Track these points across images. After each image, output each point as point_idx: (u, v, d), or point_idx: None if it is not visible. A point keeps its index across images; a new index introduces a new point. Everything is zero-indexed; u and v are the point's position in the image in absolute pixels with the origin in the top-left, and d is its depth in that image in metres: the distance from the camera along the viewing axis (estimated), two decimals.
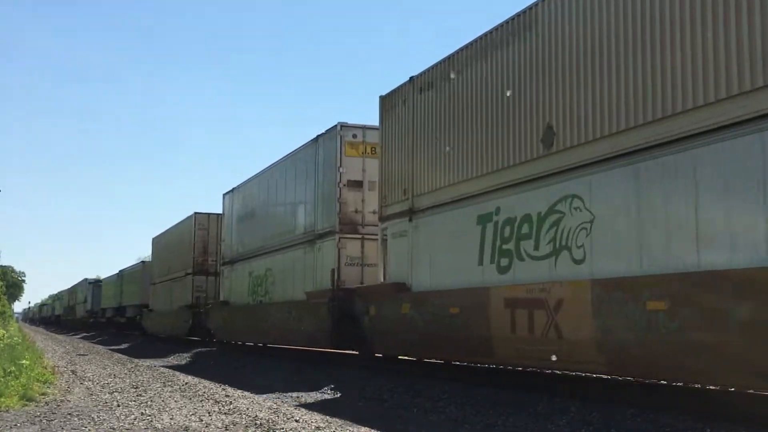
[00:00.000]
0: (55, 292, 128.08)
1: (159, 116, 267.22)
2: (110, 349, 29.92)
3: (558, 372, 10.50)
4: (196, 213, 29.67)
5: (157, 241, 39.61)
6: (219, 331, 25.65)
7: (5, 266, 77.68)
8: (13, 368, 11.67)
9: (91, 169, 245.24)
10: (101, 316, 59.86)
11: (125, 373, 15.90)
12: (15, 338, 21.53)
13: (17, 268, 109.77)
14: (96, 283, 66.37)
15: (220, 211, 31.38)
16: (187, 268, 30.16)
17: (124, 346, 34.02)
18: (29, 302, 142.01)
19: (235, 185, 26.70)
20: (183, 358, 23.43)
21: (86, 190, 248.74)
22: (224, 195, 26.11)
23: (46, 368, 14.73)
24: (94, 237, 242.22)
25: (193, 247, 30.12)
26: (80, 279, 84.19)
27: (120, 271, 52.92)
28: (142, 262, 43.06)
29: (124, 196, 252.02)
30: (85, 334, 57.83)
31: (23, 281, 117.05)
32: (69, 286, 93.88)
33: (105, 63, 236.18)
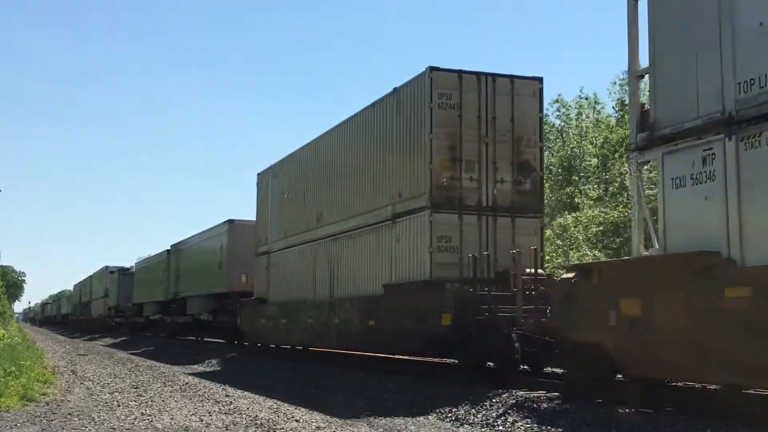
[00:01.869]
0: (56, 291, 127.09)
1: (160, 115, 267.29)
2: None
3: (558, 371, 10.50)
4: (432, 68, 15.00)
5: (279, 172, 24.32)
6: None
7: (5, 266, 78.52)
8: (13, 368, 11.83)
9: (92, 168, 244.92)
10: (135, 314, 47.98)
11: (125, 373, 16.22)
12: (15, 338, 21.44)
13: (17, 268, 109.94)
14: (123, 272, 53.80)
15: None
16: (411, 201, 15.40)
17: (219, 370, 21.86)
18: (29, 302, 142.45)
19: None
20: None
21: (87, 190, 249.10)
22: None
23: (46, 368, 14.82)
24: (94, 238, 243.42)
25: (428, 150, 14.87)
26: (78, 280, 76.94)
27: (173, 246, 39.19)
28: (229, 221, 29.47)
29: (124, 197, 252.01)
30: (111, 340, 45.83)
31: (23, 281, 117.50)
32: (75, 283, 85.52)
33: (105, 62, 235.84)
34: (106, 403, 11.90)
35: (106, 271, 56.59)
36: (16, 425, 9.47)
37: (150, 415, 10.40)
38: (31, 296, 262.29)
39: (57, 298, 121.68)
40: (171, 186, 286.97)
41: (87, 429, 9.29)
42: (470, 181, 14.85)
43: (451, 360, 15.40)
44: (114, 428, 9.33)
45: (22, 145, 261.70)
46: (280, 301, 22.48)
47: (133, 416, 10.35)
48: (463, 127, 14.90)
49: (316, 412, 10.96)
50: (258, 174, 26.03)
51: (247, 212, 34.18)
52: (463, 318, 13.16)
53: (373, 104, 17.47)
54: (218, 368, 21.14)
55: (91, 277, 66.96)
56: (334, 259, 18.84)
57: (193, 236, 35.46)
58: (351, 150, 18.64)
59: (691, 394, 9.84)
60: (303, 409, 11.26)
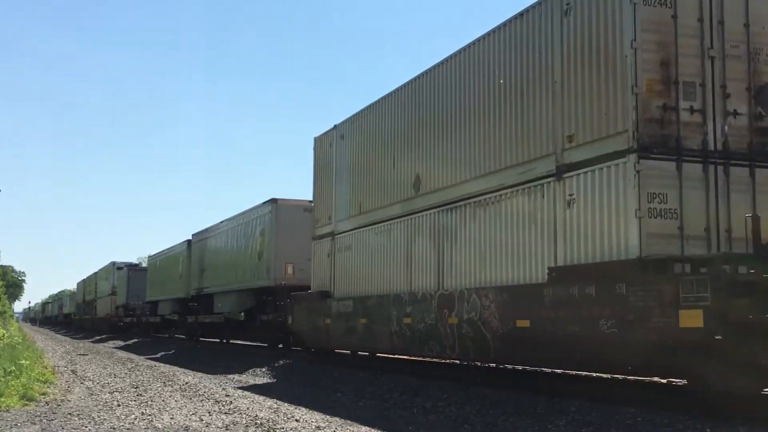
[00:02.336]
0: (56, 291, 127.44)
1: (159, 116, 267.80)
2: None
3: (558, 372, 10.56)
4: None
5: (346, 131, 19.74)
6: None
7: (5, 266, 78.31)
8: (13, 368, 11.87)
9: (92, 169, 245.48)
10: (148, 313, 44.74)
11: (125, 373, 16.29)
12: (15, 338, 21.55)
13: (17, 268, 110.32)
14: (133, 267, 51.67)
15: None
16: (597, 145, 10.75)
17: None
18: (29, 302, 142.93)
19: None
20: None
21: (87, 190, 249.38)
22: None
23: (46, 368, 14.90)
24: (94, 238, 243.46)
25: (633, 66, 10.09)
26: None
27: (194, 235, 35.54)
28: (272, 200, 25.15)
29: (124, 197, 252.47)
30: (121, 342, 41.85)
31: (23, 281, 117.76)
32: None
33: (105, 62, 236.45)
34: (106, 402, 12.19)
35: (113, 267, 52.46)
36: (16, 425, 9.66)
37: (150, 415, 10.66)
38: (31, 296, 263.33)
39: (58, 297, 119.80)
40: (171, 186, 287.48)
41: (87, 429, 9.49)
42: (690, 113, 10.27)
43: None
44: (114, 428, 9.53)
45: (22, 144, 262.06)
46: (352, 295, 17.85)
47: (133, 416, 10.59)
48: (678, 34, 10.38)
49: (316, 412, 11.21)
50: (315, 138, 21.42)
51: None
52: (729, 316, 8.43)
53: (518, 15, 12.54)
54: (271, 380, 17.13)
55: (95, 273, 62.62)
56: (444, 237, 14.22)
57: (221, 222, 31.11)
58: (478, 83, 13.61)
59: (691, 394, 9.84)
60: (303, 409, 11.52)
